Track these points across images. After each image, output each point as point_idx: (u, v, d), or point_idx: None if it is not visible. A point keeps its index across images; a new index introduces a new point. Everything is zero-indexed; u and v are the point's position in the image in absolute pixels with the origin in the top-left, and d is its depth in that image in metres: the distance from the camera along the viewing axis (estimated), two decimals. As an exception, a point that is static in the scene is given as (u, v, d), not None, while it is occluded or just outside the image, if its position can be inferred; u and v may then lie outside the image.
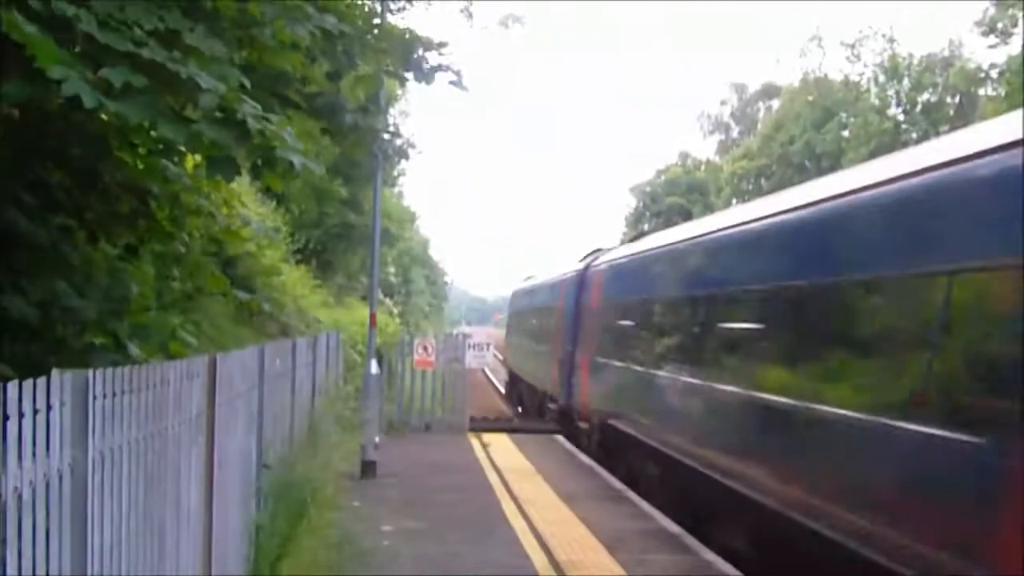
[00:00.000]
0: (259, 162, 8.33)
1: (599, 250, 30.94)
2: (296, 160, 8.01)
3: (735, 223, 16.40)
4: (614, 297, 24.69)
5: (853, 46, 78.83)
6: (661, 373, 19.04)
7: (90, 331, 9.01)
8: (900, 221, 10.71)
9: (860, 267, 11.49)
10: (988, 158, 9.20)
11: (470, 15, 28.23)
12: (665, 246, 20.76)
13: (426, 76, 12.53)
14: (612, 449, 23.37)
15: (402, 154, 37.37)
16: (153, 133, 8.46)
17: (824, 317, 12.25)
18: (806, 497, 12.19)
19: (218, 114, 7.66)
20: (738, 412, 14.78)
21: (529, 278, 46.29)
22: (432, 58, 12.43)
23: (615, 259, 25.95)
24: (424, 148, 36.84)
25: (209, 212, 12.28)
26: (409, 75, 12.67)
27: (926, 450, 9.47)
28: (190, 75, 7.14)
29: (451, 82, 12.33)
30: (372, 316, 21.61)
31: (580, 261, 30.96)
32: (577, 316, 28.52)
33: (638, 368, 20.84)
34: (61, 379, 5.98)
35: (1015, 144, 8.82)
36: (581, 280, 28.79)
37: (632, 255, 23.92)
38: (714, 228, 17.54)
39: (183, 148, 9.27)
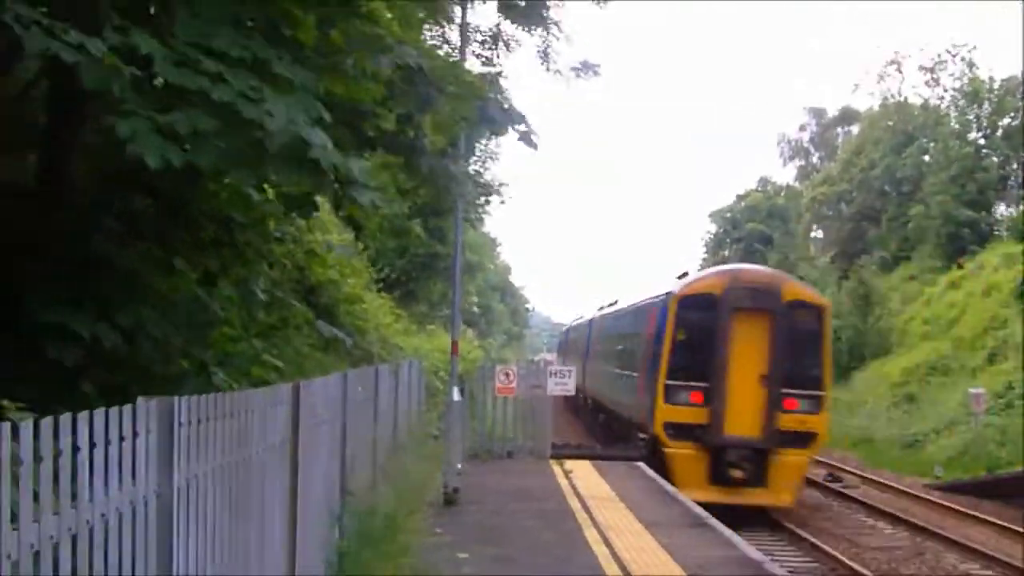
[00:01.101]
0: (339, 193, 8.29)
1: (686, 274, 30.75)
2: (367, 199, 7.94)
3: (617, 307, 41.60)
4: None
5: (932, 70, 78.02)
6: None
7: (175, 358, 9.06)
8: (631, 317, 35.03)
9: (628, 328, 35.63)
10: (647, 301, 31.75)
11: (546, 58, 28.16)
12: None
13: (498, 127, 12.49)
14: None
15: (487, 192, 37.64)
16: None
17: (618, 343, 37.18)
18: (620, 400, 34.39)
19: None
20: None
21: (613, 302, 46.24)
22: (504, 111, 12.40)
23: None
24: (510, 185, 36.94)
25: (293, 238, 12.32)
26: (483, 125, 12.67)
27: (633, 380, 31.15)
28: (259, 116, 7.03)
29: (520, 139, 12.28)
30: (454, 344, 21.62)
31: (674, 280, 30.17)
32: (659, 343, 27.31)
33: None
34: (147, 406, 6.00)
35: (655, 297, 29.88)
36: (664, 307, 27.73)
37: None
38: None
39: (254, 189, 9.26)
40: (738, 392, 25.37)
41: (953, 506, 28.23)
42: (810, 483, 32.50)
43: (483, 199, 38.15)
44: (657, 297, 30.05)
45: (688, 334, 26.24)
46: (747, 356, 25.35)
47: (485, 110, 12.27)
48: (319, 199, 10.53)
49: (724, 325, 25.49)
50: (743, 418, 25.38)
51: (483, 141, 41.64)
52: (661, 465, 26.02)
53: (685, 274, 30.71)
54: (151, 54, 6.94)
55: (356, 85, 9.89)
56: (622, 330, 37.85)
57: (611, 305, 46.20)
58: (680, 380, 25.96)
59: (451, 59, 14.26)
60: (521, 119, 12.33)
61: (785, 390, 25.29)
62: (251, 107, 7.07)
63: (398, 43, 9.87)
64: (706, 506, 20.77)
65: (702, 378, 25.70)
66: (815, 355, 25.94)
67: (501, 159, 63.60)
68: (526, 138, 12.26)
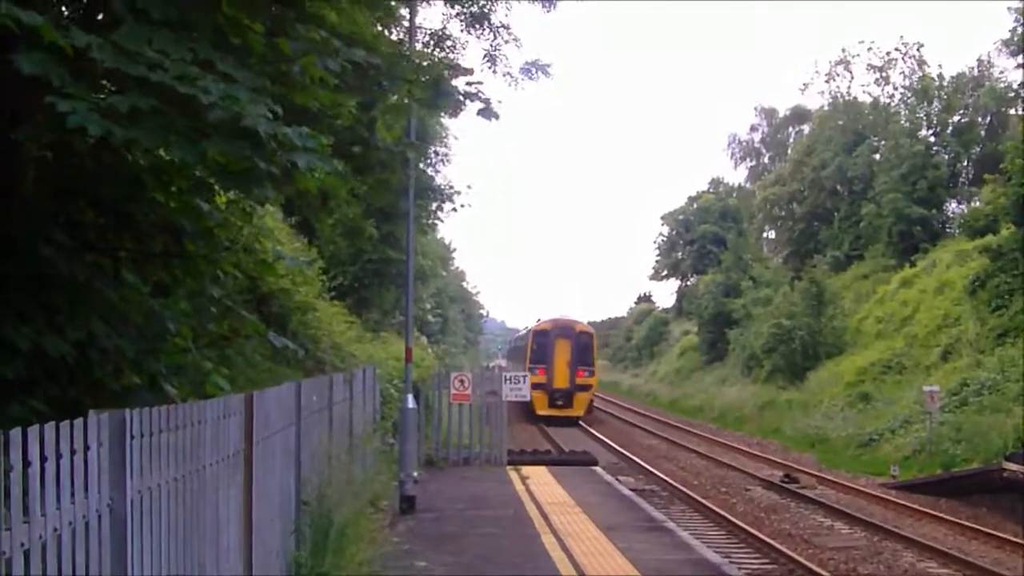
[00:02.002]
0: (276, 171, 8.27)
1: (539, 320, 61.58)
2: (304, 161, 7.96)
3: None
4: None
5: (881, 68, 78.65)
6: None
7: (127, 371, 9.02)
8: (521, 338, 72.12)
9: (520, 342, 71.17)
10: (524, 331, 73.88)
11: (493, 62, 28.11)
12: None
13: (454, 104, 12.48)
14: None
15: (439, 197, 37.50)
16: (162, 153, 8.46)
17: (519, 350, 68.35)
18: None
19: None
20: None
21: (522, 329, 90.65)
22: (460, 87, 12.38)
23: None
24: (461, 193, 36.74)
25: (243, 247, 12.27)
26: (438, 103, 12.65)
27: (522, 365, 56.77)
28: (195, 92, 7.10)
29: (479, 112, 12.25)
30: (408, 351, 21.60)
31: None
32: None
33: None
34: (98, 419, 5.98)
35: (527, 331, 68.50)
36: (529, 334, 62.02)
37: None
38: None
39: (198, 171, 9.22)
40: (558, 368, 54.38)
41: (910, 505, 28.43)
42: (766, 484, 32.75)
43: (435, 204, 38.00)
44: (528, 331, 65.60)
45: (538, 345, 55.58)
46: (562, 354, 54.34)
47: (439, 87, 12.26)
48: (268, 207, 10.53)
49: (552, 342, 54.76)
50: (560, 378, 54.45)
51: (436, 142, 41.60)
52: (530, 402, 45.78)
53: (539, 320, 61.42)
54: (89, 44, 6.99)
55: (305, 92, 9.87)
56: (518, 343, 74.72)
57: (521, 330, 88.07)
58: (535, 364, 53.53)
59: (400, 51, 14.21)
60: (478, 92, 12.31)
61: (578, 367, 54.34)
62: (187, 84, 7.12)
63: (346, 44, 9.85)
64: (544, 418, 53.19)
65: (544, 363, 54.17)
66: (590, 353, 55.29)
67: (453, 163, 63.38)
68: (485, 111, 12.21)
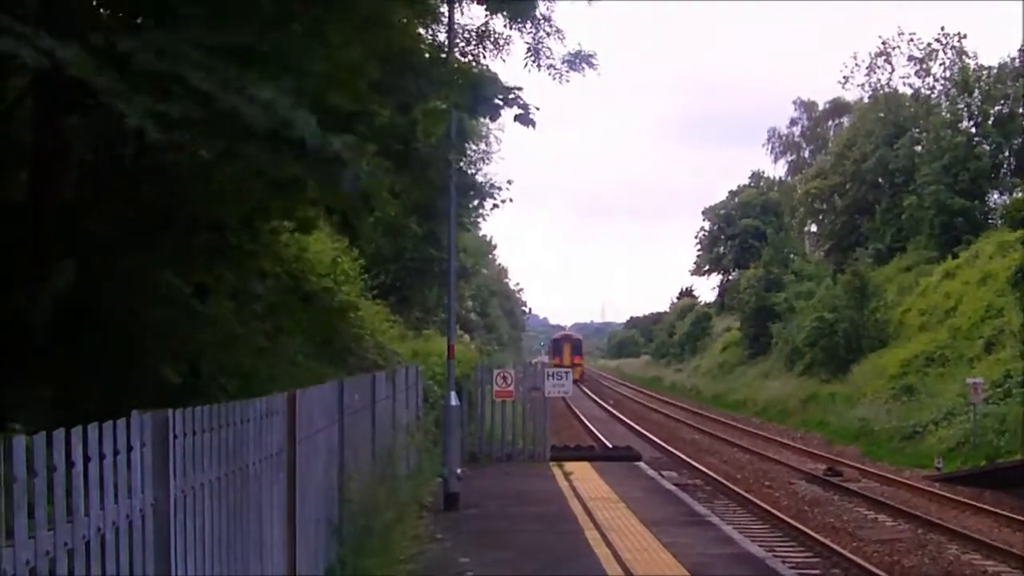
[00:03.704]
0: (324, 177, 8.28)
1: (560, 327, 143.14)
2: (350, 175, 7.95)
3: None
4: None
5: (922, 60, 78.02)
6: None
7: (169, 368, 9.06)
8: (551, 340, 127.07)
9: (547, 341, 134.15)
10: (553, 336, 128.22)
11: (537, 55, 28.07)
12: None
13: (493, 110, 12.46)
14: None
15: (480, 195, 37.46)
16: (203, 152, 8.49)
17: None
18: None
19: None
20: None
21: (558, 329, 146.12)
22: (499, 92, 12.35)
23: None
24: (503, 190, 36.70)
25: (284, 242, 12.29)
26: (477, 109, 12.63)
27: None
28: (239, 103, 7.09)
29: (517, 117, 12.21)
30: (450, 347, 21.59)
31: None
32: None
33: None
34: (141, 419, 6.00)
35: (552, 337, 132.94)
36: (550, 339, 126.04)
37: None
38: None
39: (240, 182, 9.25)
40: (565, 357, 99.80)
41: (954, 497, 28.23)
42: (810, 478, 32.59)
43: (476, 201, 37.92)
44: (551, 337, 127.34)
45: (555, 344, 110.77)
46: (567, 350, 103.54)
47: (477, 91, 12.23)
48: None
49: (561, 345, 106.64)
50: (565, 360, 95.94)
51: (476, 140, 41.55)
52: None
53: (556, 334, 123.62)
54: (132, 51, 7.02)
55: (344, 90, 9.86)
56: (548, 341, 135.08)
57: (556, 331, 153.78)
58: (553, 355, 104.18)
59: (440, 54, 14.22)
60: (516, 98, 12.26)
61: (574, 355, 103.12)
62: (231, 95, 7.13)
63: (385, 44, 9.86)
64: None
65: (559, 354, 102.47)
66: (580, 348, 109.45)
67: (495, 160, 63.26)
68: (523, 118, 12.16)
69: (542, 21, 28.59)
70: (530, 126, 12.26)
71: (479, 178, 39.06)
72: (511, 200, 47.09)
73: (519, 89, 12.32)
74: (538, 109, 12.33)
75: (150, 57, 7.09)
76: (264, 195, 10.77)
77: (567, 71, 18.48)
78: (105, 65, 6.88)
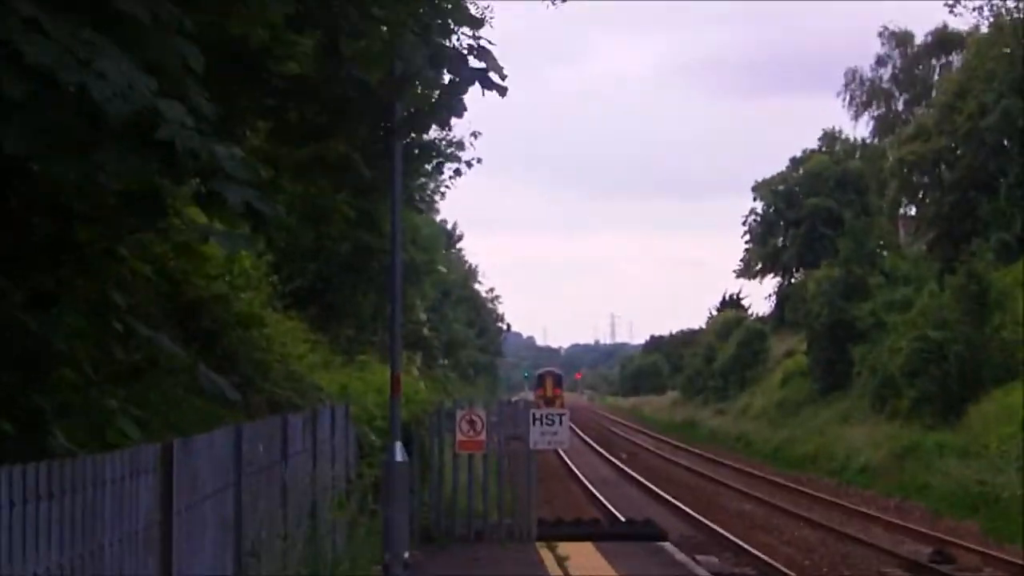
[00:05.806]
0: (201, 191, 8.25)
1: (545, 367, 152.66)
2: (238, 198, 7.89)
3: None
4: None
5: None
6: None
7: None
8: (536, 377, 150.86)
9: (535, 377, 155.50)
10: (537, 372, 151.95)
11: None
12: None
13: (454, 61, 12.49)
14: None
15: (437, 154, 37.30)
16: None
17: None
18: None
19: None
20: None
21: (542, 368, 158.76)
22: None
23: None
24: (469, 136, 36.51)
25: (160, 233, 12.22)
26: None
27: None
28: (83, 80, 6.95)
29: (481, 83, 12.28)
30: (395, 379, 21.51)
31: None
32: None
33: None
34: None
35: (538, 374, 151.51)
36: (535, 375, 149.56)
37: None
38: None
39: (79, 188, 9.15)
40: (549, 390, 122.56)
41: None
42: (908, 564, 32.65)
43: (431, 164, 37.66)
44: (537, 374, 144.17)
45: (539, 378, 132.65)
46: (550, 384, 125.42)
47: (429, 45, 12.24)
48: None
49: (546, 379, 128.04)
50: (548, 395, 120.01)
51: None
52: None
53: (540, 370, 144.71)
54: None
55: (243, 18, 9.83)
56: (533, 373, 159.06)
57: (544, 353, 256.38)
58: (536, 388, 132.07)
59: None
60: (486, 57, 12.29)
61: (555, 387, 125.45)
62: (74, 69, 6.98)
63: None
64: None
65: (542, 386, 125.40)
66: (561, 382, 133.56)
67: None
68: (485, 79, 12.23)
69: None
70: (494, 90, 12.34)
71: (432, 132, 38.52)
72: (479, 161, 45.54)
73: (487, 53, 12.37)
74: (505, 77, 12.36)
75: None
76: (118, 213, 10.66)
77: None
78: None
